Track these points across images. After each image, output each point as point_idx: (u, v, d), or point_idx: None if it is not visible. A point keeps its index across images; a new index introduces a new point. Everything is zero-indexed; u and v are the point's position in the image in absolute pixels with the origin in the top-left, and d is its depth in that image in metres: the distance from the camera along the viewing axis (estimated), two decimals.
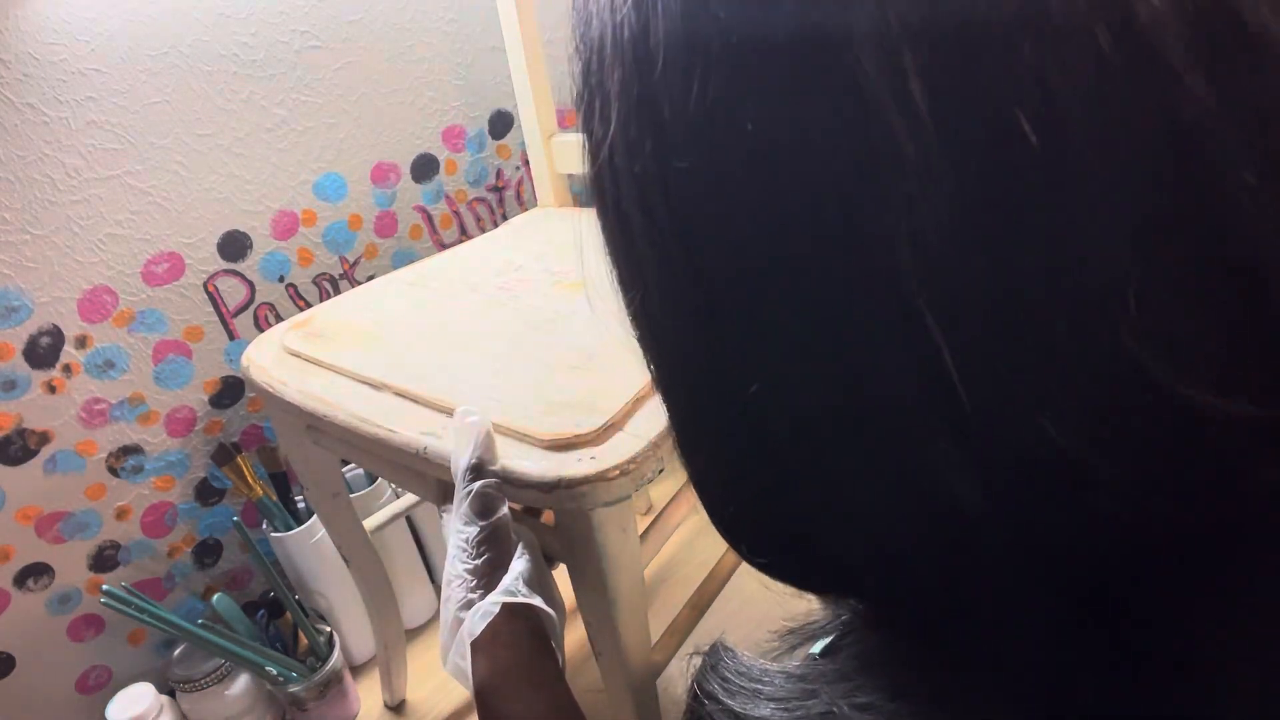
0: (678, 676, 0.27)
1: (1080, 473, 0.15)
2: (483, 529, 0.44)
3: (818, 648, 0.25)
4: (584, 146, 0.20)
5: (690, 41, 0.16)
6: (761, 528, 0.22)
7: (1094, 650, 0.17)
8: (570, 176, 0.90)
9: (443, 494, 0.52)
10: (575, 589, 0.52)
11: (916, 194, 0.14)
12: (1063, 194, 0.13)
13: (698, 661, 0.26)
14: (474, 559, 0.44)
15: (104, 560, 0.82)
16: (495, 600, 0.43)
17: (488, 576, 0.44)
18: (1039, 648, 0.18)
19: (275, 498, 0.86)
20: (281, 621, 0.87)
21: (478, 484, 0.44)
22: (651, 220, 0.19)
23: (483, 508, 0.45)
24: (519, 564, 0.45)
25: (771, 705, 0.22)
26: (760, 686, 0.24)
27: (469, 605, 0.44)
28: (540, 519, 0.54)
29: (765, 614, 0.26)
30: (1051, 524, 0.16)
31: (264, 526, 0.86)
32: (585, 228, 0.21)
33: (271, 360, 0.63)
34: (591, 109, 0.19)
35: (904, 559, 0.19)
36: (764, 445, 0.19)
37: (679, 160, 0.17)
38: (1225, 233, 0.13)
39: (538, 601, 0.44)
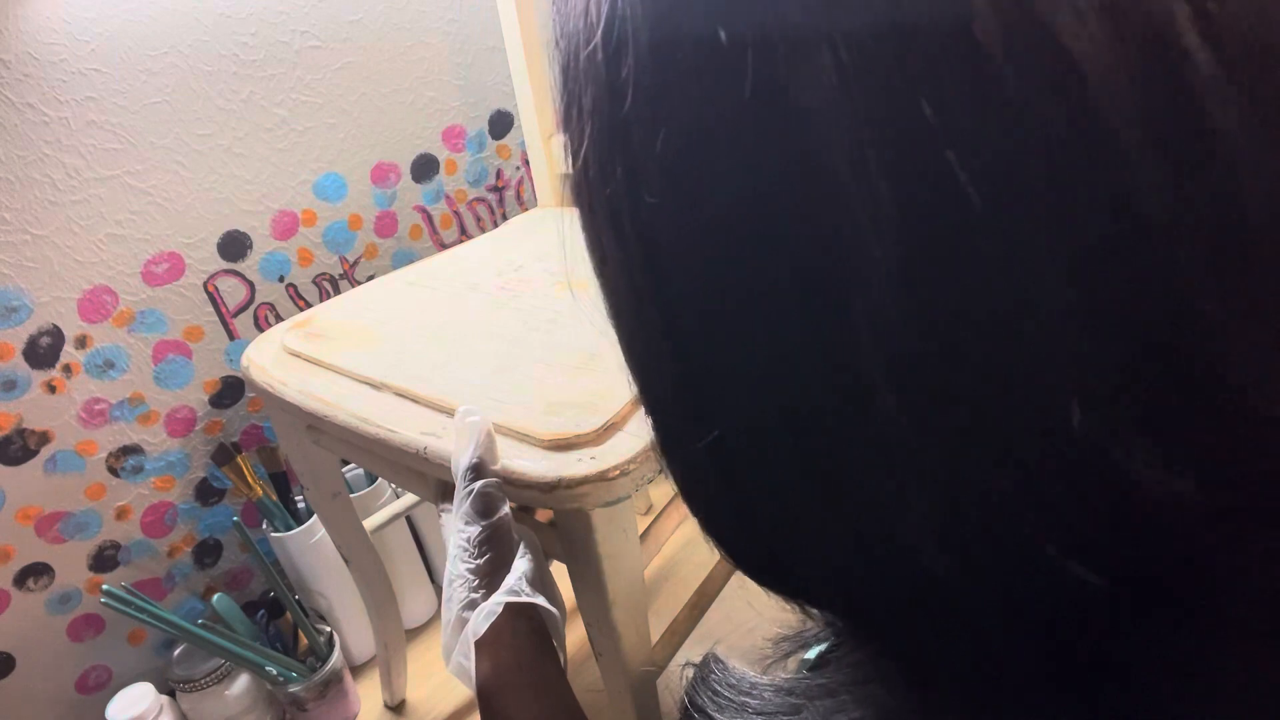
0: (677, 677, 0.28)
1: (1029, 540, 0.15)
2: (484, 528, 0.44)
3: (813, 653, 0.25)
4: (565, 148, 0.20)
5: (658, 85, 0.16)
6: (731, 537, 0.22)
7: (1075, 676, 0.17)
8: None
9: (443, 493, 0.52)
10: (575, 589, 0.52)
11: (872, 265, 0.14)
12: (1012, 279, 0.14)
13: (690, 673, 0.26)
14: (476, 559, 0.44)
15: (104, 560, 0.82)
16: (499, 600, 0.43)
17: (490, 576, 0.44)
18: (1016, 670, 0.18)
19: (275, 498, 0.86)
20: (281, 621, 0.87)
21: (479, 484, 0.44)
22: (622, 243, 0.19)
23: (484, 507, 0.45)
24: (521, 563, 0.45)
25: (759, 718, 0.22)
26: (748, 700, 0.24)
27: (472, 605, 0.44)
28: (533, 516, 0.54)
29: (764, 616, 0.26)
30: (1009, 581, 0.16)
31: (264, 526, 0.86)
32: (570, 226, 0.21)
33: (271, 360, 0.63)
34: (569, 115, 0.19)
35: (866, 594, 0.19)
36: (726, 474, 0.20)
37: (649, 194, 0.17)
38: (1176, 325, 0.13)
39: (541, 601, 0.44)
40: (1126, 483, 0.14)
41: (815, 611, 0.21)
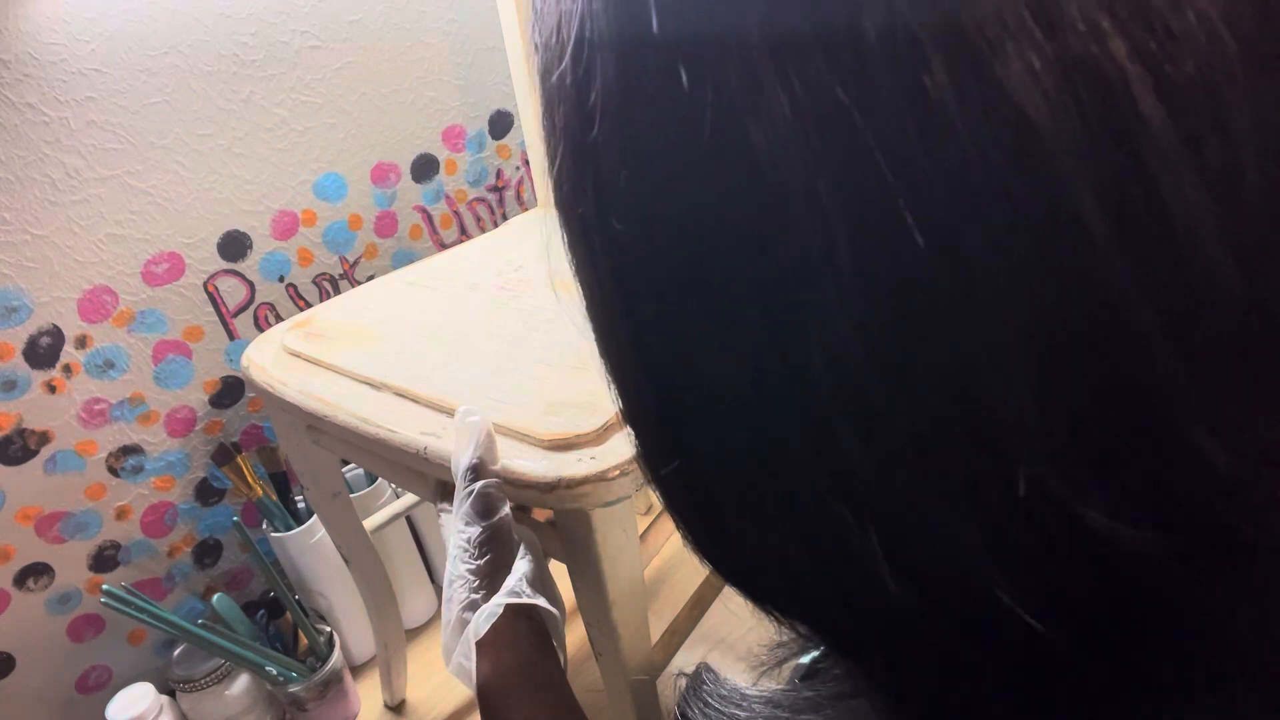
0: (678, 676, 0.28)
1: (985, 584, 0.15)
2: (484, 529, 0.44)
3: (808, 658, 0.25)
4: (546, 154, 0.20)
5: (624, 116, 0.16)
6: (708, 549, 0.22)
7: (1052, 709, 0.17)
8: None
9: (442, 493, 0.52)
10: (575, 589, 0.52)
11: (829, 308, 0.14)
12: (965, 329, 0.14)
13: (682, 684, 0.27)
14: (476, 559, 0.44)
15: (104, 560, 0.82)
16: (500, 602, 0.43)
17: (490, 577, 0.44)
18: (989, 701, 0.18)
19: (275, 498, 0.86)
20: (281, 621, 0.87)
21: (479, 484, 0.44)
22: (593, 262, 0.19)
23: (484, 508, 0.45)
24: (522, 564, 0.45)
25: None
26: (737, 712, 0.24)
27: (473, 606, 0.44)
28: (529, 515, 0.54)
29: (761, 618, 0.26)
30: (968, 619, 0.16)
31: (264, 526, 0.86)
32: (553, 229, 0.21)
33: (271, 360, 0.63)
34: (546, 125, 0.19)
35: (835, 617, 0.19)
36: (698, 492, 0.20)
37: (617, 220, 0.17)
38: (1130, 381, 0.13)
39: (542, 602, 0.44)
40: (1081, 530, 0.14)
41: (792, 625, 0.21)
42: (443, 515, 0.50)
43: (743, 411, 0.17)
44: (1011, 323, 0.13)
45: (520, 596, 0.43)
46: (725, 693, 0.25)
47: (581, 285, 0.20)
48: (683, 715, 0.25)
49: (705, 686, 0.25)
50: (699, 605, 0.67)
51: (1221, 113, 0.12)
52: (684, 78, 0.15)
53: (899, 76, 0.13)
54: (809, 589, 0.19)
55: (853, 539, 0.16)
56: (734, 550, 0.20)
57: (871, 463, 0.15)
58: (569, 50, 0.17)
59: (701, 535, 0.21)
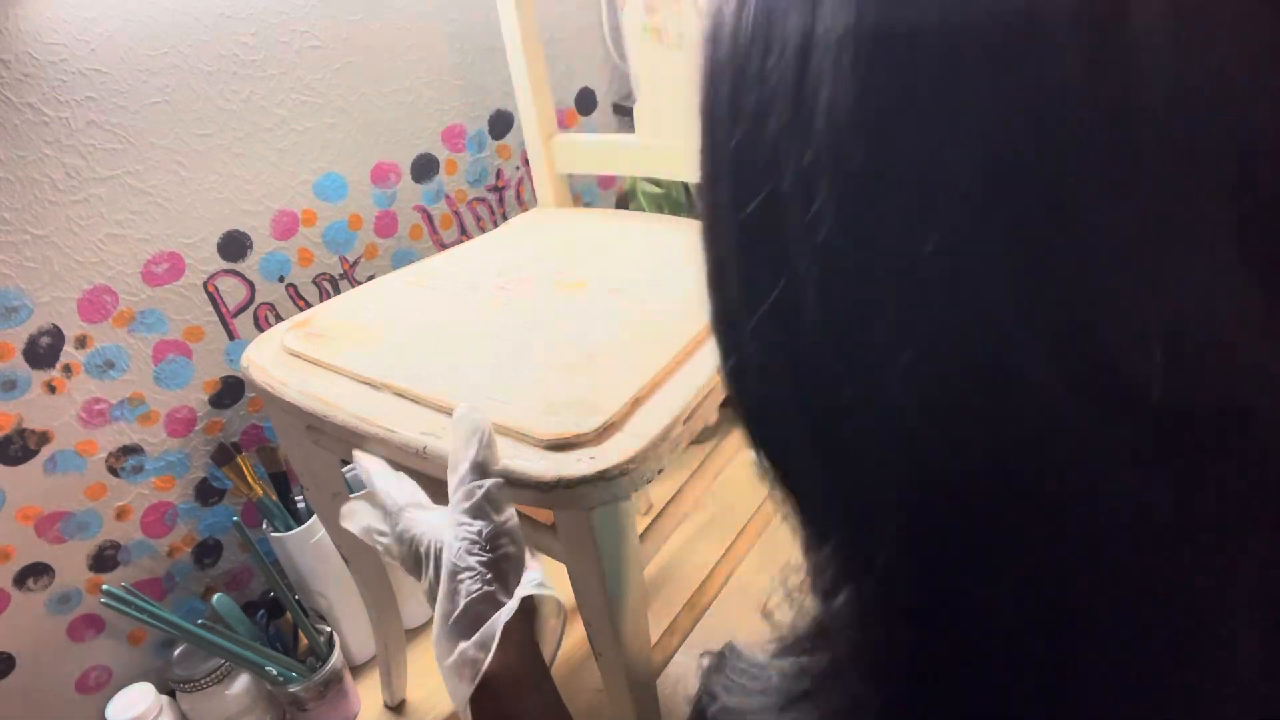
0: (678, 676, 0.29)
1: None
2: (496, 524, 0.45)
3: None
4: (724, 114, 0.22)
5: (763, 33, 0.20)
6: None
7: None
8: (570, 177, 0.90)
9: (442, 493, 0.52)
10: (575, 589, 0.52)
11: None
12: (928, 220, 0.17)
13: (706, 662, 0.29)
14: (489, 552, 0.44)
15: (104, 560, 0.82)
16: (528, 591, 0.44)
17: (501, 570, 0.45)
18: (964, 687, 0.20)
19: (275, 498, 0.86)
20: (281, 621, 0.87)
21: (489, 481, 0.45)
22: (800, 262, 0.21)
23: (495, 505, 0.45)
24: (535, 563, 0.47)
25: (761, 697, 0.25)
26: (753, 683, 0.26)
27: (487, 598, 0.44)
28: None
29: (762, 614, 0.27)
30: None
31: (264, 526, 0.86)
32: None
33: (271, 360, 0.63)
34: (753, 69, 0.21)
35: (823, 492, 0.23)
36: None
37: (834, 235, 0.19)
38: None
39: (559, 598, 0.45)
40: (1026, 384, 0.17)
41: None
42: (346, 505, 0.52)
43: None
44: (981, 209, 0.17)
45: (544, 588, 0.44)
46: (745, 666, 0.27)
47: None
48: (707, 691, 0.27)
49: (729, 663, 0.28)
50: (699, 605, 0.67)
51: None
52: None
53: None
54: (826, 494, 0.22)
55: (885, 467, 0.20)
56: (758, 415, 0.24)
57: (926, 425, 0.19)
58: (789, 47, 0.19)
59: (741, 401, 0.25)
